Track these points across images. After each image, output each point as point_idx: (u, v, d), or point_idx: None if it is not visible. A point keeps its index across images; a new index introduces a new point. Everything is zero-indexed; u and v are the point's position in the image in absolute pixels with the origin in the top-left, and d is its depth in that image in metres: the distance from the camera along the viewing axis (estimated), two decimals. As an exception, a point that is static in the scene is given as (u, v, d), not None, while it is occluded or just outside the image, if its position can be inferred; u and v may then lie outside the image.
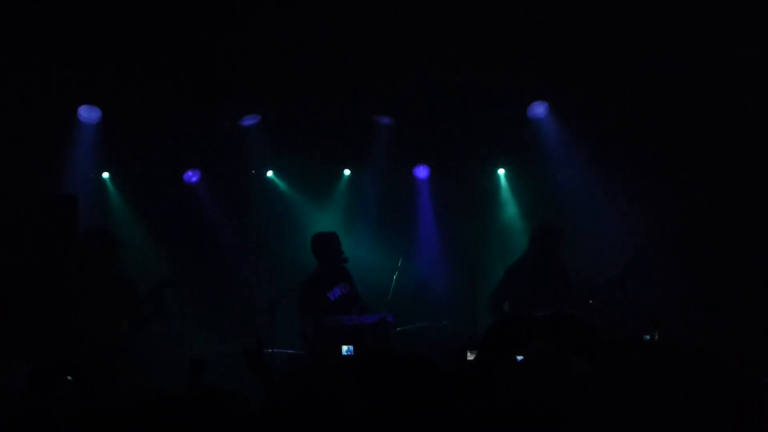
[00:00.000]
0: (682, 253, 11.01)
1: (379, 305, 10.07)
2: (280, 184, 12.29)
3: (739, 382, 5.04)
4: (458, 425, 3.98)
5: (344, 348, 8.50)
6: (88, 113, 11.16)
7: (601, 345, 5.14)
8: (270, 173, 12.33)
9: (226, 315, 11.57)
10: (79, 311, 8.81)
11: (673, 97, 10.86)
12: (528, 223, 11.78)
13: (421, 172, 12.38)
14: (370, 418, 4.14)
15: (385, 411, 4.16)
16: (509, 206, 12.27)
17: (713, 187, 11.01)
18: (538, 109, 11.74)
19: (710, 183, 11.04)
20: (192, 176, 12.16)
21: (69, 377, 5.16)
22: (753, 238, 10.73)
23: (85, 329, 8.78)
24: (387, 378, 4.22)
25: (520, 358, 5.49)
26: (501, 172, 12.36)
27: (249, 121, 11.74)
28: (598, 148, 11.58)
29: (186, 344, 10.79)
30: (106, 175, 11.89)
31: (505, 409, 4.04)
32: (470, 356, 7.30)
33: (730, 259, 10.77)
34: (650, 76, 10.72)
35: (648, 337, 6.99)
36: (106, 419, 4.52)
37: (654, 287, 10.50)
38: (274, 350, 9.53)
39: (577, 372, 5.41)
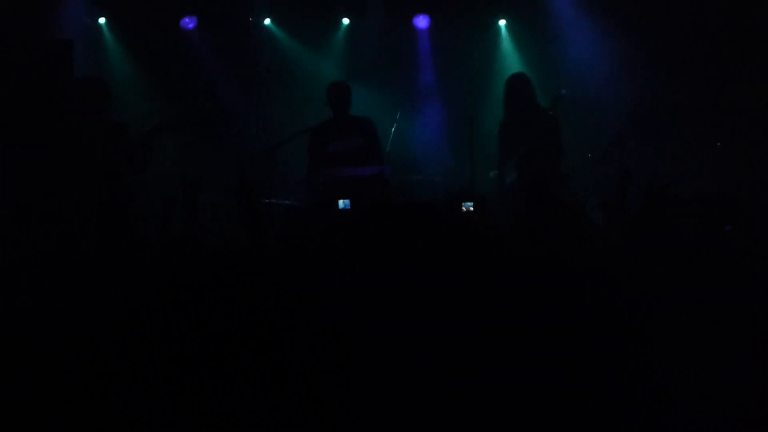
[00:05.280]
0: (681, 110, 10.98)
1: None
2: (278, 32, 12.13)
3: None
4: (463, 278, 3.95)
5: (341, 202, 8.46)
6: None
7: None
8: (267, 21, 12.14)
9: (224, 163, 11.54)
10: (72, 160, 8.75)
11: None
12: (529, 74, 11.69)
13: (421, 21, 12.20)
14: (364, 275, 4.12)
15: (383, 266, 4.14)
16: (510, 57, 12.11)
17: (722, 39, 10.91)
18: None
19: (719, 35, 10.92)
20: (189, 23, 12.00)
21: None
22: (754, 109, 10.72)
23: (79, 177, 8.74)
24: (387, 229, 4.18)
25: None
26: (502, 23, 12.17)
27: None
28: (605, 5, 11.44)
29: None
30: (102, 20, 11.77)
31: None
32: (464, 207, 7.27)
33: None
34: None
35: None
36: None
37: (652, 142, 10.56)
38: (271, 200, 9.51)
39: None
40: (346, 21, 12.20)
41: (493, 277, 4.01)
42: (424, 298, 3.90)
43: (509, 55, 12.10)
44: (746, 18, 10.73)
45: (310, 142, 9.77)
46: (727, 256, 4.65)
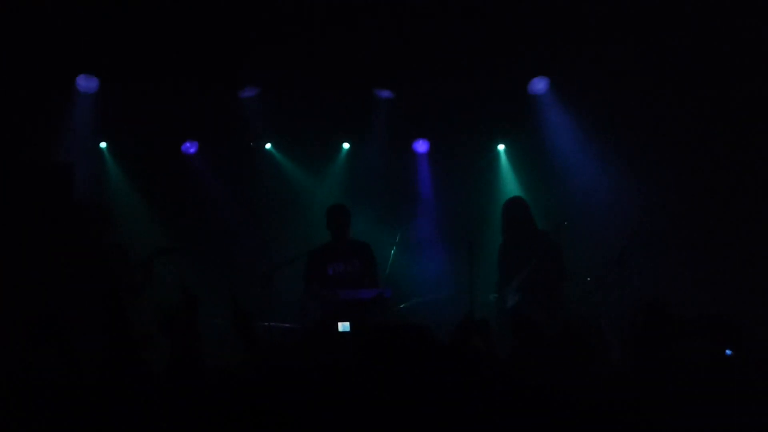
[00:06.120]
0: (681, 231, 11.00)
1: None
2: (279, 156, 12.24)
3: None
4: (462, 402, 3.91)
5: (341, 325, 8.46)
6: (86, 83, 11.12)
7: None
8: (268, 146, 12.26)
9: (223, 286, 11.52)
10: (72, 283, 8.75)
11: (676, 73, 10.81)
12: (527, 198, 11.76)
13: (421, 146, 12.31)
14: (364, 398, 4.08)
15: (383, 388, 4.10)
16: (509, 182, 12.19)
17: (716, 163, 10.98)
18: (539, 85, 11.66)
19: (713, 159, 11.00)
20: (190, 147, 12.11)
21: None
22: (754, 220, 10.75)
23: (79, 300, 8.72)
24: (387, 352, 4.15)
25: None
26: (501, 147, 12.28)
27: (248, 93, 11.68)
28: (598, 125, 11.52)
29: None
30: (103, 145, 11.86)
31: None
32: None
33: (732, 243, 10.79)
34: (654, 53, 10.68)
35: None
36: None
37: (654, 264, 10.53)
38: (270, 323, 9.48)
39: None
40: (346, 145, 12.31)
41: (498, 407, 3.97)
42: (425, 423, 3.86)
43: (509, 179, 12.17)
44: (743, 139, 10.83)
45: (307, 264, 9.81)
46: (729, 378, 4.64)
